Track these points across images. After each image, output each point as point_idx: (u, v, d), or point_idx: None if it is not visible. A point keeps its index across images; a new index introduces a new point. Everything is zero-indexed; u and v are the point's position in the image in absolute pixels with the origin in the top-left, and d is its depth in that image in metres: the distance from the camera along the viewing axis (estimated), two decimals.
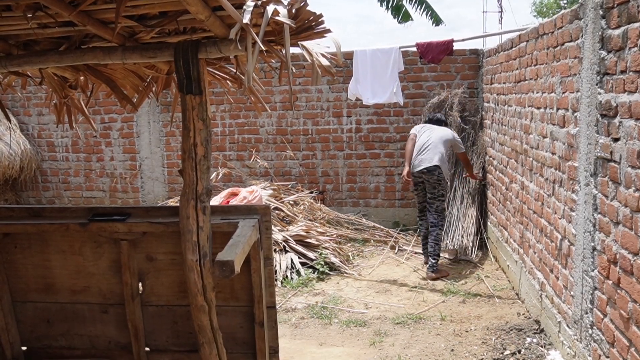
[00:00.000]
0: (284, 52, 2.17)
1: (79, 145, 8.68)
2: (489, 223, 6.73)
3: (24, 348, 2.96)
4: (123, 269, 2.74)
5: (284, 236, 6.19)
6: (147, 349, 2.89)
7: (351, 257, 6.54)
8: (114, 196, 8.66)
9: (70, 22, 2.18)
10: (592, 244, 3.35)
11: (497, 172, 6.16)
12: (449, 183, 6.36)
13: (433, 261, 5.95)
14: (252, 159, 7.87)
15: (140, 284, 2.82)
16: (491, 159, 6.51)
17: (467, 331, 4.56)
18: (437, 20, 10.98)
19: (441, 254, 6.15)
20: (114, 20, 2.07)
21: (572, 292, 3.71)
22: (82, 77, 2.93)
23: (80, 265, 2.82)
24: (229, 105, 8.08)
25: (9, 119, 3.46)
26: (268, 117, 8.01)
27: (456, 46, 6.71)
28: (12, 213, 2.83)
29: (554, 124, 4.08)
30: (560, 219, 3.97)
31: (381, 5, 10.83)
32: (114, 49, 2.33)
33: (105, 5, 2.09)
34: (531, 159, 4.71)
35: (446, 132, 6.17)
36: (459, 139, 6.32)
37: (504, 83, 5.77)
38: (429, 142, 5.99)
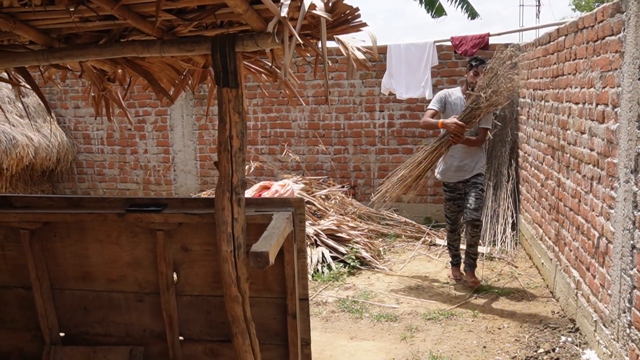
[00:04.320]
0: (319, 45, 2.17)
1: (114, 138, 8.84)
2: (522, 220, 6.63)
3: (61, 334, 3.04)
4: (158, 259, 2.79)
5: (315, 230, 6.20)
6: (180, 338, 2.93)
7: (382, 252, 6.52)
8: (147, 188, 8.80)
9: (110, 15, 2.22)
10: (632, 242, 3.28)
11: (532, 168, 6.06)
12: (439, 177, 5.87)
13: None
14: (284, 153, 7.90)
15: (175, 274, 2.86)
16: (526, 155, 6.41)
17: (499, 328, 4.51)
18: (472, 14, 10.80)
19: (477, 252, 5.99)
20: (154, 14, 2.10)
21: (609, 291, 3.64)
22: (120, 70, 2.98)
23: (117, 255, 2.88)
24: (261, 99, 8.12)
25: (49, 112, 3.54)
26: (300, 111, 8.03)
27: (491, 40, 6.63)
28: (52, 202, 2.90)
29: (592, 120, 3.99)
30: (597, 216, 3.89)
31: None
32: (152, 42, 2.36)
33: None
34: (568, 155, 4.62)
35: None
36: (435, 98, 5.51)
37: (540, 78, 5.66)
38: None
